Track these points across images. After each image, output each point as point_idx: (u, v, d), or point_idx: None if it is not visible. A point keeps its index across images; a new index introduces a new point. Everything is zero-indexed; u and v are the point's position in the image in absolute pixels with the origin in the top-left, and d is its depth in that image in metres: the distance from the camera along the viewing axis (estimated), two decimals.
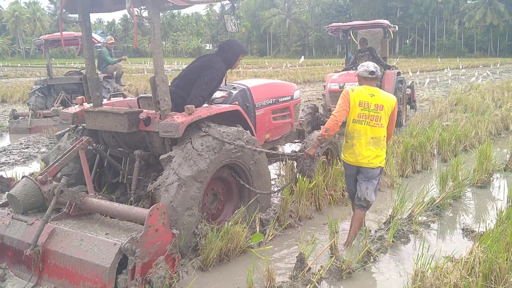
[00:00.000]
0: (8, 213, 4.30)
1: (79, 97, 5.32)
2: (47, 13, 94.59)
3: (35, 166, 8.44)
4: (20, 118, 12.26)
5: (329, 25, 11.63)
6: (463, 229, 5.25)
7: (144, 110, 4.69)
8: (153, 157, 4.90)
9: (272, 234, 4.92)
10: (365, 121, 4.65)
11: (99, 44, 13.86)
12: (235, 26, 5.13)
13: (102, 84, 13.17)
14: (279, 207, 5.30)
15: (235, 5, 5.22)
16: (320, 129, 8.24)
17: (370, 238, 4.79)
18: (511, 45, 75.12)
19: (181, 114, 4.46)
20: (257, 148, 4.97)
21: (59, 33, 15.41)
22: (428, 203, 5.71)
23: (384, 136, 4.74)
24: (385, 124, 4.70)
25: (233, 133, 4.71)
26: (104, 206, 4.17)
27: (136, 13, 4.10)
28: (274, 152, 5.95)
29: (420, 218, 5.40)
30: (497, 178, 7.21)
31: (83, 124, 5.15)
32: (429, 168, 7.83)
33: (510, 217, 4.76)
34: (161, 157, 4.42)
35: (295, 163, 6.50)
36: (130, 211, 4.03)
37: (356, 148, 4.71)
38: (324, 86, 11.19)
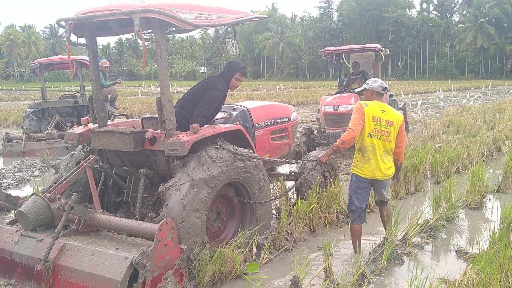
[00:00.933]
0: (16, 230, 4.37)
1: (84, 118, 5.47)
2: (42, 37, 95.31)
3: (28, 190, 8.39)
4: (14, 141, 12.22)
5: (323, 50, 11.88)
6: (456, 251, 5.26)
7: (149, 130, 4.84)
8: (157, 176, 5.01)
9: (267, 257, 4.90)
10: (378, 135, 4.87)
11: None
12: (236, 49, 5.41)
13: None
14: (275, 230, 5.27)
15: (235, 29, 5.53)
16: (315, 150, 8.37)
17: (364, 261, 4.78)
18: (502, 67, 76.18)
19: (186, 133, 4.61)
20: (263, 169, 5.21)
21: (53, 57, 15.55)
22: (422, 224, 5.73)
23: (392, 150, 4.99)
24: (393, 139, 4.94)
25: (244, 152, 4.92)
26: (113, 222, 4.27)
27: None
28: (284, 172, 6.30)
29: (414, 240, 5.40)
30: (490, 199, 7.25)
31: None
32: (422, 189, 7.86)
33: (503, 239, 4.78)
34: (175, 162, 4.60)
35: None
36: (140, 226, 4.14)
37: (373, 162, 4.89)
38: (318, 109, 11.35)
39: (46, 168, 10.40)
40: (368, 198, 5.30)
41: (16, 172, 9.95)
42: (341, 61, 12.13)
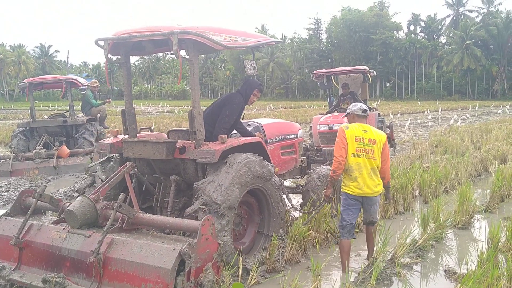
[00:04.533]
0: (63, 228, 4.73)
1: (114, 129, 6.12)
2: (32, 56, 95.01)
3: None
4: (1, 160, 12.11)
5: (314, 72, 12.39)
6: (445, 271, 5.27)
7: (179, 140, 5.33)
8: (184, 183, 5.50)
9: (255, 279, 4.85)
10: (362, 154, 5.11)
11: (83, 87, 13.97)
12: (254, 70, 5.93)
13: (86, 127, 13.18)
14: (266, 251, 5.24)
15: (254, 51, 6.20)
16: (311, 166, 8.55)
17: (353, 281, 4.77)
18: (489, 88, 77.25)
19: (215, 143, 5.16)
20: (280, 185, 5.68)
21: (43, 76, 15.53)
22: (411, 244, 5.75)
23: (378, 168, 5.20)
24: (378, 157, 5.16)
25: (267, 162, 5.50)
26: (156, 220, 4.71)
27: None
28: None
29: (402, 260, 5.41)
30: (477, 219, 7.29)
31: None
32: (411, 209, 7.89)
33: (491, 259, 4.81)
34: (207, 168, 5.15)
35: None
36: (182, 223, 4.55)
37: (360, 180, 5.10)
38: (310, 127, 11.65)
39: (33, 188, 10.28)
40: (358, 216, 5.38)
41: (3, 192, 9.84)
42: (331, 82, 12.49)
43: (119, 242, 4.36)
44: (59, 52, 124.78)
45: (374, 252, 5.41)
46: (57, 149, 12.07)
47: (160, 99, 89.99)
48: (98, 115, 14.18)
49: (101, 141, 5.91)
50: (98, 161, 5.96)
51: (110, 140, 5.82)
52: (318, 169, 7.05)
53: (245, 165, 5.04)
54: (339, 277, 5.14)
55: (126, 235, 4.52)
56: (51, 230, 4.78)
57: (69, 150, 12.29)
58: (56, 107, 47.31)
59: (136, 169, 5.43)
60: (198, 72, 5.07)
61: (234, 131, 6.05)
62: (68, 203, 4.94)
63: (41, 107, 49.07)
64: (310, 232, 5.76)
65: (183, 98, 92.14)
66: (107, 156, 5.85)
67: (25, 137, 12.96)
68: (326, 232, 6.14)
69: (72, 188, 9.83)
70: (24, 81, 13.48)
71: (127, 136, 5.73)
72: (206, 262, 4.17)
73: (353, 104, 5.53)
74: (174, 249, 4.04)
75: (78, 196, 4.84)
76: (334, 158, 5.14)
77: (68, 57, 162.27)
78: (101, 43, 5.17)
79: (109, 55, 5.25)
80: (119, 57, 5.58)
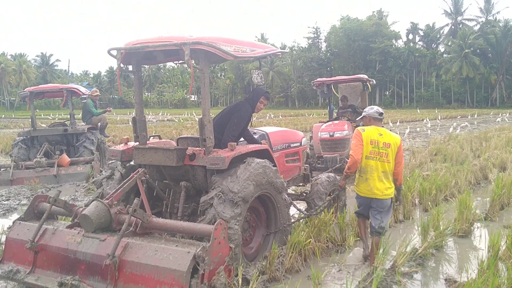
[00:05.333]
0: (78, 232, 4.85)
1: (124, 137, 6.25)
2: (33, 65, 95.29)
3: (15, 218, 8.26)
4: (1, 169, 12.12)
5: (315, 80, 12.51)
6: (445, 279, 5.27)
7: (189, 147, 5.47)
8: (193, 189, 5.66)
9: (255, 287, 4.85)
10: (376, 157, 5.38)
11: (84, 96, 14.02)
12: (261, 79, 6.02)
13: (86, 135, 13.21)
14: (266, 260, 5.25)
15: (261, 61, 6.33)
16: (312, 174, 8.70)
17: None
18: (487, 96, 77.47)
19: (224, 150, 5.29)
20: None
21: (44, 85, 15.59)
22: (411, 253, 5.75)
23: (391, 171, 5.46)
24: (392, 160, 5.43)
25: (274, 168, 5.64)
26: (170, 224, 4.84)
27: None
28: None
29: (403, 269, 5.41)
30: (477, 227, 7.30)
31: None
32: (410, 217, 7.90)
33: (491, 267, 4.82)
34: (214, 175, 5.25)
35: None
36: (195, 227, 4.69)
37: (370, 182, 5.39)
38: (311, 137, 11.72)
39: (34, 196, 10.28)
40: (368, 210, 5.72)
41: (3, 200, 9.84)
42: (331, 91, 12.62)
43: (134, 245, 4.49)
44: (60, 61, 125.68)
45: (375, 261, 5.43)
46: (58, 158, 12.09)
47: (160, 107, 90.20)
48: (99, 123, 14.21)
49: (112, 148, 6.07)
50: (103, 176, 6.06)
51: (121, 147, 5.97)
52: (322, 176, 7.21)
53: (262, 167, 5.29)
54: (340, 285, 5.14)
55: (140, 238, 4.63)
56: (66, 234, 4.90)
57: (69, 159, 12.31)
58: (57, 116, 47.45)
59: (147, 175, 5.55)
60: (208, 81, 5.20)
61: (241, 139, 6.17)
62: (82, 208, 5.07)
63: (42, 115, 49.22)
64: (310, 240, 5.77)
65: (183, 106, 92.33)
66: (110, 171, 5.99)
67: (25, 145, 12.96)
68: (327, 240, 6.15)
69: (73, 197, 9.83)
70: (25, 90, 13.50)
71: (137, 143, 5.89)
72: (219, 265, 4.28)
73: (369, 107, 5.77)
74: (188, 252, 4.16)
75: (93, 201, 4.98)
76: (350, 156, 5.47)
77: (69, 66, 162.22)
78: (114, 52, 5.32)
79: (121, 64, 5.36)
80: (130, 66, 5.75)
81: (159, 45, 5.09)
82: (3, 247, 5.34)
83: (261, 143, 6.10)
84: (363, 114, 5.74)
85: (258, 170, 5.22)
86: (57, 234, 4.96)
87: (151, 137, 6.39)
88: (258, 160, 5.33)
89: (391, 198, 5.56)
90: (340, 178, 6.06)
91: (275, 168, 5.60)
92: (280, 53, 6.56)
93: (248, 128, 6.32)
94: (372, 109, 5.65)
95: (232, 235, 4.72)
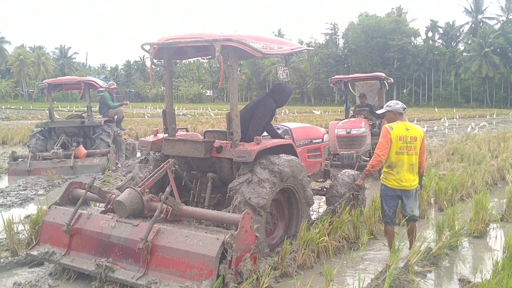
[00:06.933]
0: (112, 217, 5.11)
1: (154, 128, 6.53)
2: (51, 57, 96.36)
3: (32, 208, 8.43)
4: (19, 160, 12.31)
5: (332, 78, 12.52)
6: (459, 279, 5.22)
7: (216, 140, 5.73)
8: (219, 180, 5.92)
9: (267, 283, 4.85)
10: (405, 152, 5.60)
11: (101, 89, 14.14)
12: (286, 75, 6.16)
13: (103, 128, 13.34)
14: (278, 256, 5.24)
15: (287, 58, 6.51)
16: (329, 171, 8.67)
17: (366, 287, 4.75)
18: (507, 96, 76.29)
19: (250, 143, 5.50)
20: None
21: (62, 78, 15.77)
22: (425, 252, 5.70)
23: (417, 162, 5.71)
24: (418, 151, 5.69)
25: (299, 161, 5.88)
26: (199, 212, 5.10)
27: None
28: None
29: (416, 268, 5.37)
30: (493, 228, 7.21)
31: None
32: (426, 216, 7.83)
33: (506, 268, 4.75)
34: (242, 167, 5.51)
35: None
36: (223, 215, 4.91)
37: (401, 175, 5.61)
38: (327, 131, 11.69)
39: (50, 187, 10.44)
40: (397, 206, 5.83)
41: (20, 190, 9.99)
42: (348, 88, 12.57)
43: (166, 231, 4.70)
44: (78, 54, 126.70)
45: (414, 245, 5.71)
46: (75, 150, 12.22)
47: (176, 102, 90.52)
48: (116, 116, 14.34)
49: (142, 139, 6.35)
50: (137, 160, 6.37)
51: (151, 138, 6.24)
52: (340, 175, 7.30)
53: (292, 161, 5.60)
54: (352, 282, 5.12)
55: (170, 225, 4.85)
56: (100, 219, 5.17)
57: (86, 151, 12.44)
58: (74, 108, 47.98)
59: (176, 165, 5.73)
60: (237, 77, 5.35)
61: (265, 135, 6.31)
62: (115, 195, 5.33)
63: (60, 107, 49.77)
64: (323, 238, 5.76)
65: (198, 101, 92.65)
66: (144, 156, 6.28)
67: (43, 137, 13.13)
68: (341, 238, 6.12)
69: None
70: (43, 81, 13.66)
71: (166, 135, 6.11)
72: (245, 253, 4.48)
73: (394, 102, 5.88)
74: (217, 239, 4.36)
75: (126, 188, 5.19)
76: (375, 154, 5.62)
77: (86, 59, 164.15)
78: (147, 47, 5.52)
79: (154, 59, 5.55)
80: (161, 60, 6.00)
81: (191, 41, 5.30)
82: (40, 230, 5.63)
83: (284, 138, 6.26)
84: (387, 108, 5.83)
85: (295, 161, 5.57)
86: (91, 218, 5.23)
87: (178, 130, 6.59)
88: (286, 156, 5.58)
89: (417, 188, 5.82)
90: (360, 178, 6.14)
91: (303, 165, 5.82)
92: (306, 50, 6.72)
93: (272, 123, 6.45)
94: (397, 104, 5.78)
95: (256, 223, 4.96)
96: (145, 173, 5.98)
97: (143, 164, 6.23)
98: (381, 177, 5.88)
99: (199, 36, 5.25)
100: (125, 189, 5.21)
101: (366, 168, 5.82)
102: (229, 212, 5.19)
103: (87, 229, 5.14)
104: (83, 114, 14.60)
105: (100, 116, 14.49)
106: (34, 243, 5.51)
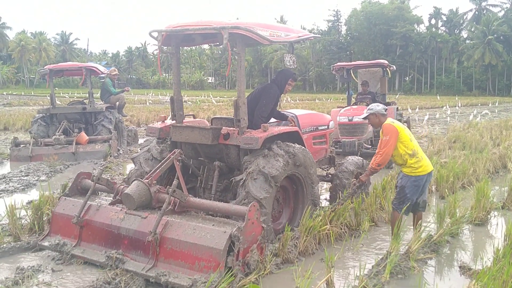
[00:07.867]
0: (121, 209, 5.18)
1: (162, 115, 6.60)
2: (52, 43, 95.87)
3: (34, 194, 8.46)
4: (21, 146, 12.32)
5: (334, 65, 12.48)
6: (460, 267, 5.24)
7: (224, 127, 5.74)
8: (225, 167, 5.96)
9: (269, 269, 4.88)
10: (412, 138, 5.64)
11: (102, 75, 14.10)
12: (293, 63, 6.21)
13: (104, 114, 13.33)
14: (279, 242, 5.27)
15: (293, 45, 6.51)
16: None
17: (366, 274, 4.77)
18: (510, 84, 75.92)
19: (257, 130, 5.56)
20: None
21: (63, 64, 15.72)
22: (426, 239, 5.71)
23: None
24: None
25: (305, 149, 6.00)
26: (206, 204, 5.17)
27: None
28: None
29: (417, 255, 5.38)
30: (494, 216, 7.22)
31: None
32: (427, 204, 7.81)
33: (507, 256, 4.76)
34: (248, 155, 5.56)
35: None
36: (230, 207, 5.01)
37: (425, 159, 5.63)
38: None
39: (52, 173, 10.47)
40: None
41: (22, 176, 10.02)
42: (350, 76, 12.54)
43: (174, 223, 4.76)
44: (79, 39, 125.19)
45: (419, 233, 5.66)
46: (76, 136, 12.23)
47: None
48: (117, 103, 14.32)
49: (150, 125, 6.39)
50: (141, 152, 6.39)
51: (158, 124, 6.28)
52: (345, 162, 7.34)
53: (306, 153, 5.81)
54: (353, 269, 5.14)
55: (178, 217, 4.93)
56: (109, 211, 5.24)
57: (87, 137, 12.45)
58: (75, 94, 47.89)
59: (183, 155, 5.74)
60: (244, 64, 5.36)
61: (272, 121, 6.39)
62: (123, 186, 5.42)
63: (61, 94, 49.68)
64: (326, 226, 5.77)
65: (200, 88, 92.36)
66: (147, 148, 6.27)
67: (45, 123, 13.13)
68: (343, 225, 6.13)
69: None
70: (45, 67, 13.62)
71: (174, 121, 6.16)
72: (252, 244, 4.56)
73: (375, 104, 5.88)
74: (225, 232, 4.42)
75: (134, 180, 5.25)
76: (381, 153, 5.52)
77: (88, 45, 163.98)
78: (155, 34, 5.54)
79: (162, 46, 5.59)
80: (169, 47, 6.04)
81: (199, 28, 5.31)
82: (50, 220, 5.75)
83: (288, 118, 6.39)
84: (370, 111, 5.73)
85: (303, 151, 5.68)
86: (101, 210, 5.30)
87: (186, 116, 6.63)
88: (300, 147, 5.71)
89: None
90: (365, 174, 6.01)
91: (314, 162, 5.95)
92: (313, 38, 6.72)
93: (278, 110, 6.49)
94: (378, 106, 5.75)
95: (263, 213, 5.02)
96: (151, 166, 5.98)
97: (147, 155, 6.25)
98: (408, 172, 5.58)
99: (207, 23, 5.28)
100: (132, 181, 5.27)
101: (372, 166, 5.69)
102: (237, 203, 5.23)
103: (97, 221, 5.22)
104: (84, 100, 14.59)
105: (101, 102, 14.47)
106: (46, 233, 5.58)
